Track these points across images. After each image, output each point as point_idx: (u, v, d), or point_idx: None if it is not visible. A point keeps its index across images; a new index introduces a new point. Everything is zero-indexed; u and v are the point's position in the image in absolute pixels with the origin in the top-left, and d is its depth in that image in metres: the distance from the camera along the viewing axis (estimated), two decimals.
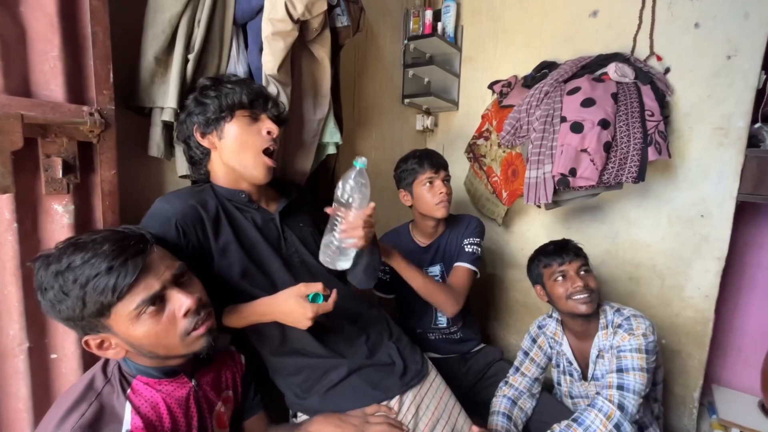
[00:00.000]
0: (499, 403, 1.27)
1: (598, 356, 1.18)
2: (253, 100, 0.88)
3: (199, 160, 0.93)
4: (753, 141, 1.41)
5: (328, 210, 0.88)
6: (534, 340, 1.34)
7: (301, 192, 1.10)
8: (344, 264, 0.90)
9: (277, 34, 1.01)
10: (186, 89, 0.94)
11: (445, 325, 1.43)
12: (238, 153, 0.88)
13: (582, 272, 1.17)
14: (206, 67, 0.99)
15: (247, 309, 0.85)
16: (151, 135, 0.96)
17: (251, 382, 0.92)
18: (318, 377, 0.94)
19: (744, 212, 1.60)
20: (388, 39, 1.80)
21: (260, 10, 1.03)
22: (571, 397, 1.29)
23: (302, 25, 1.08)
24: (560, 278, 1.18)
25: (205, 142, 0.89)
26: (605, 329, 1.16)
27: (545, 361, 1.33)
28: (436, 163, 1.34)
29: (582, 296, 1.13)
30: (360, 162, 0.83)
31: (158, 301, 0.63)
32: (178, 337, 0.65)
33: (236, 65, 1.09)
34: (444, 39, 1.86)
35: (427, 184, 1.33)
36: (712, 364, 1.73)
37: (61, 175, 0.72)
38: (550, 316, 1.33)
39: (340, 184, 0.85)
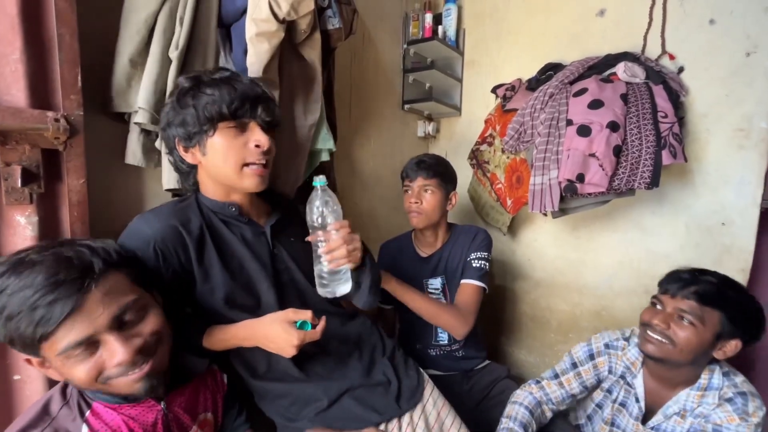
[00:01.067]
0: (523, 396, 1.12)
1: (677, 414, 0.98)
2: (238, 107, 0.76)
3: (186, 172, 0.85)
4: None
5: (309, 239, 0.84)
6: (592, 357, 1.11)
7: (291, 205, 1.04)
8: (343, 288, 0.85)
9: (261, 35, 0.96)
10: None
11: (446, 342, 1.35)
12: (220, 169, 0.79)
13: (681, 317, 0.92)
14: (192, 68, 0.95)
15: (228, 332, 0.79)
16: (128, 142, 0.92)
17: (234, 403, 0.86)
18: (306, 401, 0.87)
19: None
20: (387, 43, 1.76)
21: (245, 10, 0.99)
22: (612, 425, 1.09)
23: (289, 25, 1.03)
24: (656, 305, 0.98)
25: (188, 157, 0.80)
26: (702, 390, 0.95)
27: (593, 382, 1.11)
28: (416, 169, 1.27)
29: (653, 335, 0.94)
30: (319, 180, 0.80)
31: (87, 344, 0.57)
32: (96, 380, 0.59)
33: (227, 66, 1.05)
34: (445, 43, 1.80)
35: (408, 191, 1.28)
36: None
37: (20, 185, 0.68)
38: (627, 339, 1.09)
39: (307, 209, 0.82)
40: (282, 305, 0.83)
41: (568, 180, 1.27)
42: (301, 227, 1.00)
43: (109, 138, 0.92)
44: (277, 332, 0.74)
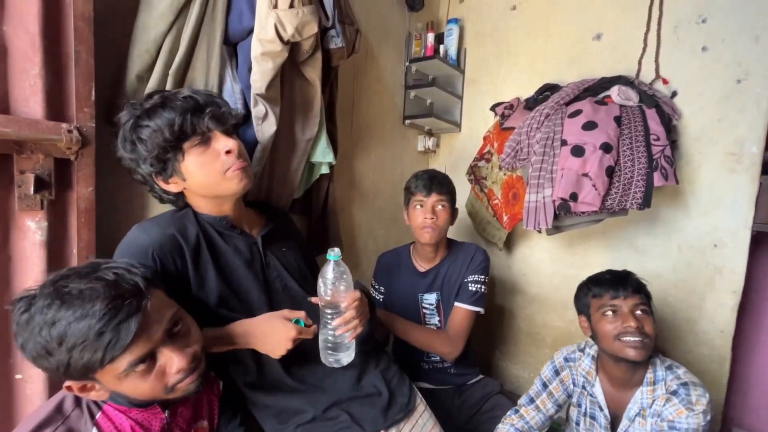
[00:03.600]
0: (506, 430, 1.15)
1: (638, 414, 1.02)
2: (182, 126, 0.73)
3: (173, 200, 0.86)
4: None
5: (314, 300, 0.86)
6: (557, 372, 1.17)
7: (284, 217, 1.07)
8: (349, 357, 0.87)
9: (266, 55, 1.01)
10: None
11: (438, 359, 1.36)
12: (206, 186, 0.80)
13: (639, 312, 1.00)
14: (193, 85, 0.99)
15: (222, 330, 0.81)
16: None
17: (229, 408, 0.87)
18: (295, 410, 0.89)
19: (762, 243, 1.51)
20: (390, 60, 1.81)
21: (251, 30, 1.04)
22: None
23: (293, 46, 1.08)
24: (610, 313, 1.02)
25: (171, 187, 0.81)
26: (651, 385, 1.01)
27: (564, 398, 1.17)
28: (429, 185, 1.28)
29: (633, 339, 0.97)
30: (334, 255, 0.81)
31: (148, 359, 0.60)
32: (163, 390, 0.63)
33: (232, 84, 1.09)
34: (446, 61, 1.85)
35: (418, 206, 1.30)
36: (731, 407, 1.59)
37: (33, 192, 0.71)
38: (582, 350, 1.15)
39: (320, 281, 0.83)
40: (273, 310, 0.86)
41: (562, 198, 1.30)
42: (294, 239, 1.03)
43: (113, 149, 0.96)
44: (274, 326, 0.76)
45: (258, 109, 1.05)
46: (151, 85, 0.89)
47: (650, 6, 1.49)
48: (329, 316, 0.83)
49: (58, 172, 0.77)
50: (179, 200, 0.86)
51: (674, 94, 1.45)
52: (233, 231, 0.89)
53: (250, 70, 1.03)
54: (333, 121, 1.40)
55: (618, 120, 1.34)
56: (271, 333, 0.77)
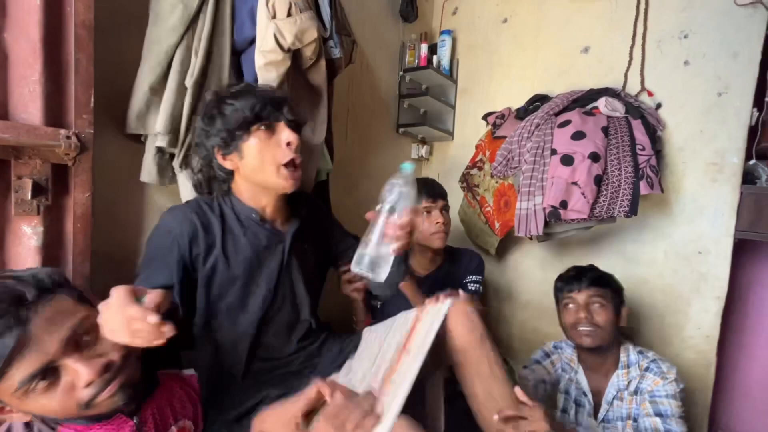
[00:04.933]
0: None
1: (615, 397, 1.14)
2: (262, 110, 0.82)
3: (222, 179, 0.89)
4: (749, 178, 1.39)
5: (369, 216, 0.82)
6: (548, 355, 1.31)
7: (312, 203, 1.06)
8: (383, 273, 0.80)
9: (269, 65, 1.03)
10: (188, 117, 0.95)
11: None
12: (258, 171, 0.85)
13: (594, 304, 1.13)
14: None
15: None
16: (144, 162, 0.97)
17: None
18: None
19: (745, 250, 1.56)
20: (385, 70, 1.84)
21: (253, 40, 1.06)
22: (579, 425, 1.21)
23: (295, 54, 1.10)
24: (570, 306, 1.16)
25: (227, 164, 0.86)
26: (626, 368, 1.14)
27: (555, 377, 1.27)
28: (434, 192, 1.33)
29: (586, 329, 1.11)
30: (408, 164, 0.81)
31: (49, 374, 0.54)
32: (77, 407, 0.56)
33: None
34: (439, 72, 1.89)
35: (425, 213, 1.32)
36: (717, 410, 1.63)
37: (30, 197, 0.71)
38: (567, 343, 1.29)
39: (387, 188, 0.80)
40: (268, 312, 0.87)
41: (552, 206, 1.34)
42: (317, 229, 1.03)
43: (117, 156, 0.96)
44: (110, 306, 0.57)
45: None
46: (168, 97, 0.91)
47: (635, 21, 1.55)
48: (379, 227, 0.79)
49: (56, 178, 0.77)
50: (226, 183, 0.89)
51: (659, 105, 1.50)
52: (261, 225, 0.89)
53: (255, 80, 1.04)
54: (330, 129, 1.42)
55: (605, 130, 1.38)
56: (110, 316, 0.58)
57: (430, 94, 1.89)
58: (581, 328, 1.12)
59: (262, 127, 0.83)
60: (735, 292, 1.52)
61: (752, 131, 1.37)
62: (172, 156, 0.99)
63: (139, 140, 0.98)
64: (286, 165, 0.85)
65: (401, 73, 1.90)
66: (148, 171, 0.95)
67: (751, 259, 1.56)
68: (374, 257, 0.80)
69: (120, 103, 0.92)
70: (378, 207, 0.80)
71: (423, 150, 2.05)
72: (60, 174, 0.78)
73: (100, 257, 0.88)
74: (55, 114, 0.76)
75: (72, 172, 0.79)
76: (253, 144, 0.83)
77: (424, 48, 1.84)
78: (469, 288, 1.34)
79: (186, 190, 0.99)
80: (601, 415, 1.15)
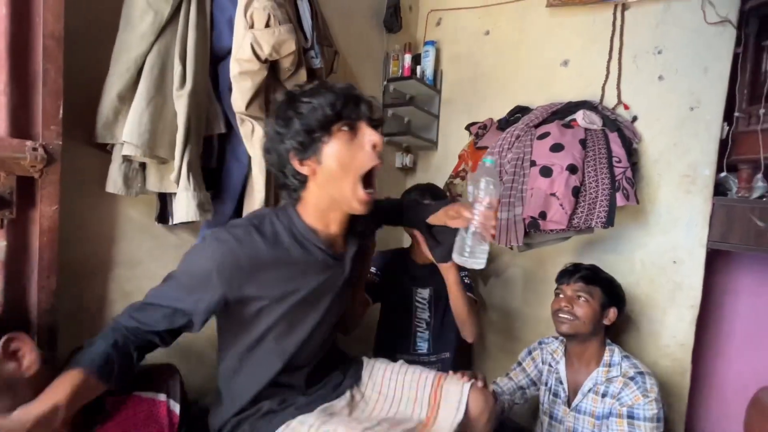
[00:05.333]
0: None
1: (590, 390, 1.21)
2: (342, 108, 0.73)
3: (294, 188, 0.80)
4: (721, 189, 1.43)
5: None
6: (530, 353, 1.42)
7: (364, 219, 0.90)
8: (482, 261, 0.89)
9: (244, 74, 1.02)
10: (186, 131, 0.93)
11: (424, 351, 1.42)
12: (337, 178, 0.75)
13: (580, 298, 1.22)
14: (195, 105, 0.97)
15: None
16: (110, 171, 0.95)
17: None
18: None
19: (718, 259, 1.60)
20: (369, 79, 1.85)
21: (230, 50, 1.05)
22: (550, 417, 1.31)
23: (274, 64, 1.09)
24: (559, 295, 1.27)
25: (304, 169, 0.76)
26: (607, 367, 1.21)
27: (536, 373, 1.38)
28: (438, 194, 1.41)
29: (563, 316, 1.22)
30: (490, 158, 0.88)
31: None
32: None
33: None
34: (423, 82, 1.91)
35: None
36: (693, 417, 1.66)
37: None
38: (556, 338, 1.38)
39: (472, 181, 0.88)
40: (312, 336, 0.85)
41: (532, 217, 1.35)
42: (364, 242, 1.01)
43: (87, 166, 0.94)
44: None
45: (245, 127, 1.06)
46: (137, 105, 0.88)
47: (611, 36, 1.59)
48: (476, 213, 0.85)
49: (21, 191, 0.75)
50: (296, 192, 0.81)
51: (635, 118, 1.54)
52: (322, 251, 0.82)
53: (230, 89, 1.04)
54: None
55: (583, 143, 1.41)
56: None
57: (414, 104, 1.90)
58: (560, 315, 1.22)
59: (344, 127, 0.75)
60: (709, 301, 1.56)
61: (723, 144, 1.41)
62: (143, 165, 0.97)
63: (105, 149, 0.95)
64: (365, 184, 0.77)
65: (385, 82, 1.92)
66: (114, 181, 0.92)
67: (724, 269, 1.60)
68: (472, 247, 0.87)
69: (92, 112, 0.90)
70: (470, 200, 0.87)
71: (407, 159, 2.06)
72: (26, 186, 0.76)
73: (68, 271, 0.86)
74: (21, 125, 0.74)
75: (39, 184, 0.77)
76: (334, 147, 0.74)
77: (407, 59, 1.86)
78: (465, 282, 1.37)
79: (183, 209, 0.95)
80: (575, 403, 1.23)
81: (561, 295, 1.26)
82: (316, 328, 0.86)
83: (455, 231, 0.91)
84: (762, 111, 1.29)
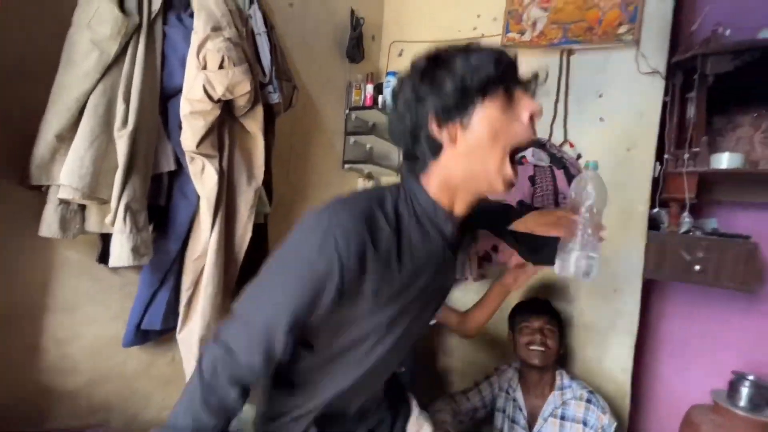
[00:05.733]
0: (441, 406, 1.37)
1: (550, 414, 1.31)
2: (506, 71, 0.63)
3: (423, 158, 0.68)
4: (654, 224, 1.55)
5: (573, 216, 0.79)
6: (487, 377, 1.50)
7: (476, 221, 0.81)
8: (595, 272, 0.79)
9: (196, 113, 1.01)
10: (126, 171, 0.90)
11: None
12: (481, 151, 0.64)
13: (546, 329, 1.34)
14: (139, 146, 0.94)
15: None
16: (44, 214, 0.89)
17: None
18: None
19: (654, 288, 1.73)
20: (331, 108, 1.87)
21: (182, 89, 1.03)
22: None
23: (228, 102, 1.08)
24: (527, 329, 1.36)
25: (442, 135, 0.65)
26: (560, 390, 1.33)
27: (490, 397, 1.46)
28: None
29: (537, 348, 1.31)
30: (594, 164, 0.86)
31: None
32: None
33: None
34: (385, 111, 1.95)
35: None
36: None
37: None
38: (509, 365, 1.48)
39: (577, 188, 0.82)
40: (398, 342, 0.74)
41: (486, 251, 1.41)
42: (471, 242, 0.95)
43: (20, 208, 0.89)
44: None
45: (195, 165, 1.03)
46: (78, 145, 0.85)
47: (558, 79, 1.70)
48: (586, 221, 0.79)
49: None
50: (418, 164, 0.69)
51: (579, 156, 1.65)
52: (439, 232, 0.69)
53: (179, 128, 1.01)
54: (269, 170, 1.40)
55: (532, 179, 1.49)
56: None
57: (376, 133, 1.94)
58: (533, 348, 1.31)
59: (503, 91, 0.63)
60: (647, 327, 1.68)
61: (656, 182, 1.54)
62: (82, 206, 0.93)
63: (40, 190, 0.90)
64: (513, 161, 0.65)
65: (347, 111, 1.94)
66: (48, 224, 0.87)
67: (659, 297, 1.73)
68: (581, 257, 0.78)
69: (25, 152, 0.85)
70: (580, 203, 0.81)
71: (369, 185, 2.08)
72: None
73: None
74: None
75: None
76: (489, 113, 0.63)
77: (369, 88, 1.89)
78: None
79: (117, 252, 0.91)
80: (536, 429, 1.32)
81: (528, 329, 1.36)
82: (398, 340, 0.73)
83: (548, 238, 0.84)
84: (686, 156, 1.43)
